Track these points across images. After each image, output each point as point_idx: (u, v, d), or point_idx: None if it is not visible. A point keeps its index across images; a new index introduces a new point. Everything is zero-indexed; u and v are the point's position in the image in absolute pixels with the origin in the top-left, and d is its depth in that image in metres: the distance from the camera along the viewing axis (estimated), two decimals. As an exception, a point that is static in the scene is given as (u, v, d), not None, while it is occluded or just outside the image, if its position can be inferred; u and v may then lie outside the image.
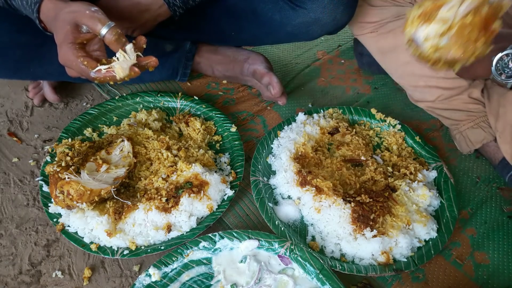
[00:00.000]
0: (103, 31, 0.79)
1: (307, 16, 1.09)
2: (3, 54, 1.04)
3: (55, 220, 0.96)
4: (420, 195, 1.01)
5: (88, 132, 1.15)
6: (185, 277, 0.89)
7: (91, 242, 0.92)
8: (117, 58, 0.80)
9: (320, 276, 0.86)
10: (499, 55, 0.87)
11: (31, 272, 0.93)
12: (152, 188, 0.99)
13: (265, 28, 1.16)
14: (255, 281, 0.87)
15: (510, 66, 0.86)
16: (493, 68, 0.88)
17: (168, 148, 1.07)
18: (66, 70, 0.83)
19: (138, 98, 1.23)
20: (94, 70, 0.79)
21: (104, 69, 0.79)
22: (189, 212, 0.96)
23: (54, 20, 0.81)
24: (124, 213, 0.95)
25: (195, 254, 0.92)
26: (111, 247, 0.92)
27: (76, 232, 0.94)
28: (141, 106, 1.23)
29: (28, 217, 1.02)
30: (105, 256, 0.92)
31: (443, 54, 0.77)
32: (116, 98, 1.22)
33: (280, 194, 1.05)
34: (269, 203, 1.01)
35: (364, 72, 1.43)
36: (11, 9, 0.89)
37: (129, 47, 0.80)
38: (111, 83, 0.83)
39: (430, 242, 0.96)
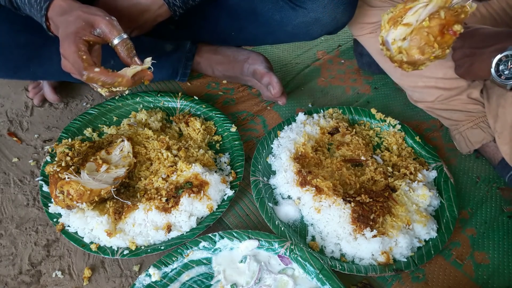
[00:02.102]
0: (116, 40, 0.82)
1: (307, 16, 1.09)
2: (3, 54, 1.04)
3: (55, 220, 0.96)
4: (420, 195, 1.01)
5: (88, 132, 1.15)
6: (185, 277, 0.89)
7: (91, 242, 0.92)
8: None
9: (320, 276, 0.86)
10: (498, 56, 0.87)
11: (31, 272, 0.93)
12: (152, 188, 0.99)
13: (265, 28, 1.17)
14: (255, 281, 0.87)
15: (509, 68, 0.86)
16: (492, 69, 0.88)
17: (168, 148, 1.07)
18: (61, 61, 0.83)
19: (138, 98, 1.23)
20: (85, 66, 0.80)
21: (96, 70, 0.80)
22: (189, 212, 0.96)
23: (64, 15, 0.82)
24: (124, 213, 0.95)
25: (195, 254, 0.92)
26: (111, 247, 0.92)
27: (76, 232, 0.95)
28: (141, 106, 1.23)
29: (28, 217, 1.02)
30: (105, 256, 0.92)
31: (404, 55, 0.81)
32: (116, 98, 1.22)
33: (280, 194, 1.05)
34: (269, 203, 1.01)
35: (364, 72, 1.44)
36: (13, 7, 0.88)
37: (149, 59, 0.85)
38: (102, 92, 0.84)
39: (430, 242, 0.96)
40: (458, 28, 0.76)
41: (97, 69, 0.80)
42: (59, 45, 0.82)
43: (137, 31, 1.07)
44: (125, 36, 0.83)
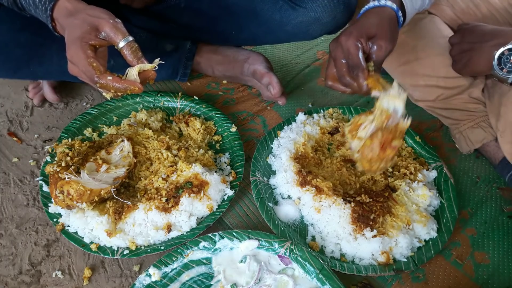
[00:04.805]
0: (121, 44, 0.82)
1: (307, 15, 1.09)
2: (4, 54, 1.04)
3: (55, 220, 0.96)
4: (420, 195, 1.01)
5: (88, 132, 1.15)
6: (185, 277, 0.89)
7: (91, 242, 0.92)
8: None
9: (320, 276, 0.86)
10: (501, 49, 0.87)
11: (31, 272, 0.93)
12: (152, 188, 1.00)
13: (265, 27, 1.16)
14: (255, 281, 0.87)
15: (511, 61, 0.87)
16: (494, 62, 0.88)
17: (168, 148, 1.07)
18: (68, 65, 0.83)
19: (138, 98, 1.23)
20: (98, 74, 0.80)
21: (109, 78, 0.80)
22: (189, 212, 0.96)
23: (70, 17, 0.82)
24: (124, 213, 0.95)
25: (195, 254, 0.92)
26: (111, 247, 0.92)
27: (76, 232, 0.95)
28: (141, 106, 1.23)
29: (28, 217, 1.02)
30: (105, 256, 0.92)
31: (358, 164, 0.91)
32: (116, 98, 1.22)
33: (280, 194, 1.05)
34: (269, 203, 1.01)
35: (364, 72, 1.43)
36: (17, 8, 0.88)
37: (157, 60, 0.85)
38: (107, 96, 0.84)
39: (430, 242, 0.96)
40: (396, 143, 0.85)
41: (109, 77, 0.80)
42: (63, 47, 0.82)
43: (138, 2, 1.07)
44: (130, 38, 0.82)
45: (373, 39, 0.84)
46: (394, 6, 0.87)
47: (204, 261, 0.92)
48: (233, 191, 1.02)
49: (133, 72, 0.83)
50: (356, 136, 0.88)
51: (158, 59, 0.85)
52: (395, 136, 0.84)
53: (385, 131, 0.84)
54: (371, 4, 0.88)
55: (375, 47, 0.84)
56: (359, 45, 0.83)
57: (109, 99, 0.84)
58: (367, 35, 0.84)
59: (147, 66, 0.83)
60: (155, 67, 0.85)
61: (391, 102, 0.84)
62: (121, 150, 1.02)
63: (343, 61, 0.85)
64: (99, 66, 0.80)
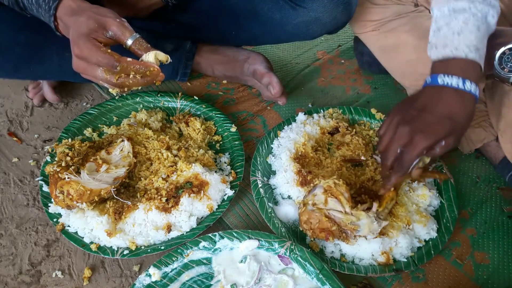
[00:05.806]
0: (129, 41, 0.82)
1: (307, 15, 1.09)
2: (4, 53, 1.04)
3: (55, 220, 0.96)
4: (420, 195, 1.01)
5: (88, 132, 1.15)
6: (185, 277, 0.89)
7: (91, 242, 0.92)
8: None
9: (320, 276, 0.86)
10: (502, 49, 0.87)
11: (31, 272, 0.93)
12: (152, 188, 0.99)
13: (265, 27, 1.17)
14: (255, 281, 0.87)
15: None
16: (496, 61, 0.88)
17: (168, 148, 1.07)
18: (73, 62, 0.82)
19: (138, 98, 1.23)
20: (117, 58, 0.79)
21: (129, 59, 0.80)
22: (189, 212, 0.96)
23: (74, 15, 0.82)
24: (124, 213, 0.95)
25: (195, 254, 0.92)
26: (111, 247, 0.92)
27: (76, 232, 0.95)
28: (141, 106, 1.23)
29: (28, 217, 1.02)
30: (105, 256, 0.92)
31: (300, 209, 0.93)
32: (116, 98, 1.22)
33: (280, 194, 1.05)
34: (269, 203, 1.01)
35: (364, 72, 1.43)
36: (19, 8, 0.88)
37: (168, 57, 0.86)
38: (113, 91, 0.84)
39: (430, 242, 0.96)
40: (331, 239, 0.89)
41: (129, 59, 0.80)
42: (64, 47, 0.82)
43: (146, 10, 1.09)
44: (137, 35, 0.83)
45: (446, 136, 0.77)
46: (477, 93, 0.79)
47: (204, 261, 0.92)
48: (233, 191, 1.01)
49: (149, 56, 0.83)
50: (328, 195, 0.89)
51: (168, 56, 0.85)
52: (338, 236, 0.89)
53: (338, 229, 0.88)
54: (460, 82, 0.78)
55: (443, 142, 0.76)
56: (424, 153, 0.76)
57: (115, 94, 0.84)
58: (440, 137, 0.76)
59: (161, 54, 0.83)
60: (168, 59, 0.85)
61: (367, 225, 0.88)
62: (121, 150, 1.02)
63: (398, 150, 0.79)
64: (114, 52, 0.80)
